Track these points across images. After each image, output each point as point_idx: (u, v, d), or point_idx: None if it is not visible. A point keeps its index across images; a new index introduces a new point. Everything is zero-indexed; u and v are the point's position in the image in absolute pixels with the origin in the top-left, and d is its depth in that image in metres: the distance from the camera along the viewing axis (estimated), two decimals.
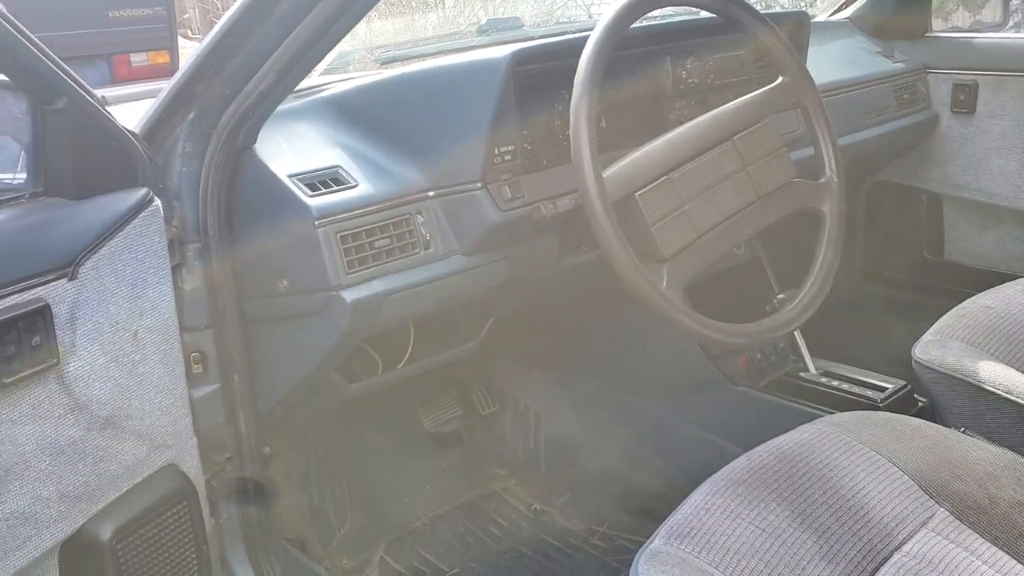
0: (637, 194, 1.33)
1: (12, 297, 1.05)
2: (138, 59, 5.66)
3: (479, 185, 1.43)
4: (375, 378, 1.62)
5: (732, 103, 1.50)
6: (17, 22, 1.04)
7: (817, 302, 1.49)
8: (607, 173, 1.30)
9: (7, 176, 1.18)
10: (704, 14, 1.64)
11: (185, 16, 9.48)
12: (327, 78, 1.64)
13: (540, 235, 1.56)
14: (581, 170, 1.26)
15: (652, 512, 1.94)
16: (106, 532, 1.19)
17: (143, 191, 1.23)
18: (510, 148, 1.45)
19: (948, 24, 2.55)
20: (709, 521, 1.08)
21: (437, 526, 2.02)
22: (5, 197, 1.13)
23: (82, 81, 1.13)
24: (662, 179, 1.37)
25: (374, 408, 1.93)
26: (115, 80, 5.52)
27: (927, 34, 2.48)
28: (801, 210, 1.53)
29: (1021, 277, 1.75)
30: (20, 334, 1.06)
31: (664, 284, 1.32)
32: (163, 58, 5.78)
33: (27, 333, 1.06)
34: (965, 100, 2.36)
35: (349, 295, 1.35)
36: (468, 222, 1.45)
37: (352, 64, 1.79)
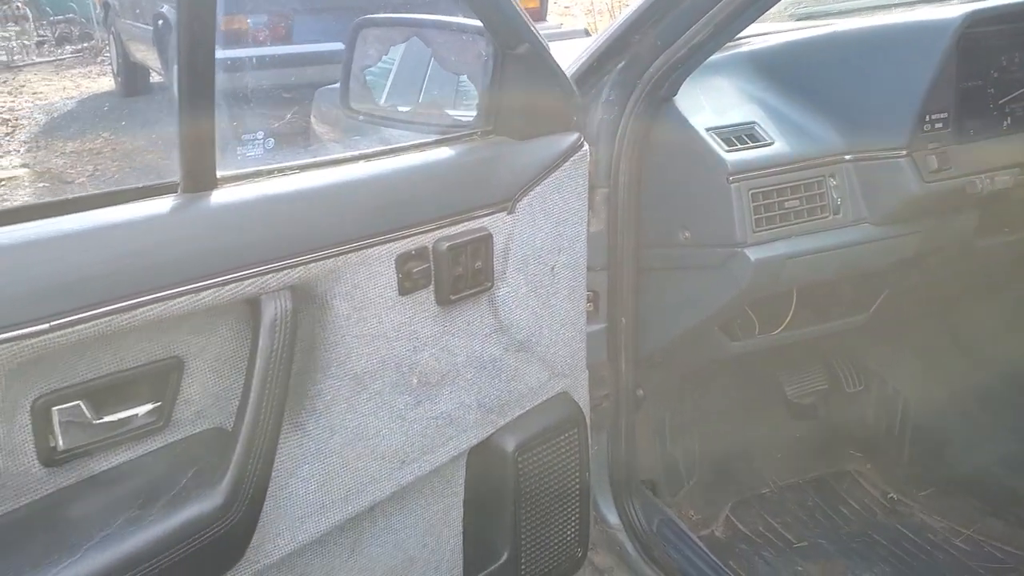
0: None
1: (463, 224, 1.16)
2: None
3: (904, 153, 1.35)
4: (752, 339, 1.61)
5: None
6: None
7: None
8: None
9: (463, 114, 1.29)
10: None
11: None
12: (745, 32, 1.62)
13: (959, 211, 1.45)
14: None
15: None
16: (510, 444, 1.30)
17: (575, 136, 1.30)
18: (943, 116, 1.36)
19: None
20: None
21: (785, 495, 1.99)
22: (462, 132, 1.24)
23: (537, 28, 1.21)
24: None
25: (740, 368, 1.92)
26: None
27: None
28: None
29: None
30: (467, 258, 1.17)
31: None
32: (533, 3, 6.05)
33: (472, 257, 1.17)
34: None
35: (753, 253, 1.35)
36: (885, 190, 1.38)
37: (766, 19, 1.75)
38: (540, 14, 6.12)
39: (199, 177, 0.97)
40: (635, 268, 1.49)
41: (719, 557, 1.70)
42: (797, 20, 1.66)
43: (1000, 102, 1.41)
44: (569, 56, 1.38)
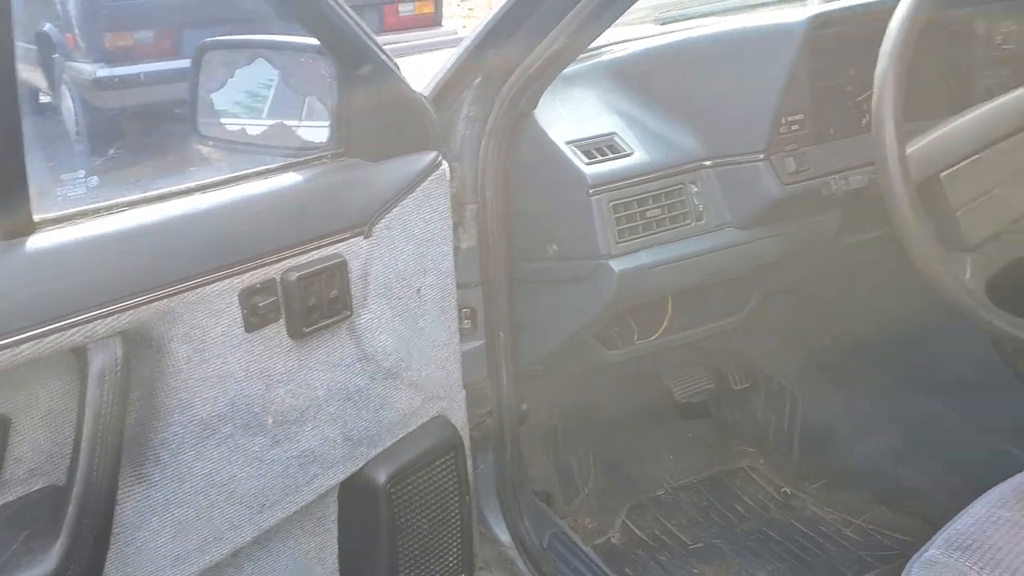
0: (943, 174, 1.21)
1: (314, 252, 1.12)
2: (405, 8, 5.91)
3: (761, 156, 1.36)
4: (631, 346, 1.61)
5: None
6: None
7: None
8: (911, 149, 1.19)
9: (313, 137, 1.25)
10: None
11: None
12: (605, 39, 1.62)
13: (821, 211, 1.47)
14: (883, 146, 1.16)
15: (917, 511, 1.81)
16: (382, 476, 1.26)
17: (433, 154, 1.27)
18: (799, 117, 1.37)
19: None
20: (994, 535, 1.00)
21: (680, 496, 2.00)
22: (311, 156, 1.20)
23: (384, 49, 1.18)
24: (972, 159, 1.23)
25: (625, 373, 1.93)
26: (383, 28, 5.82)
27: None
28: None
29: None
30: (320, 287, 1.13)
31: (967, 275, 1.20)
32: (427, 8, 6.01)
33: (327, 286, 1.13)
34: None
35: (617, 265, 1.34)
36: (746, 194, 1.39)
37: (630, 23, 1.76)
38: (435, 19, 6.09)
39: (13, 222, 0.91)
40: (509, 282, 1.47)
41: (615, 565, 1.69)
42: (661, 25, 1.66)
43: (858, 99, 1.43)
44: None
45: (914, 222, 1.16)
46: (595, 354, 1.55)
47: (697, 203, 1.40)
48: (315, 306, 1.13)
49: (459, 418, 1.40)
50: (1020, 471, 1.11)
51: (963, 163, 1.23)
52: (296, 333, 1.12)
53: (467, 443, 1.44)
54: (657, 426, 2.10)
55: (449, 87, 1.35)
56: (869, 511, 1.88)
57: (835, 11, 1.36)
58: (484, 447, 1.55)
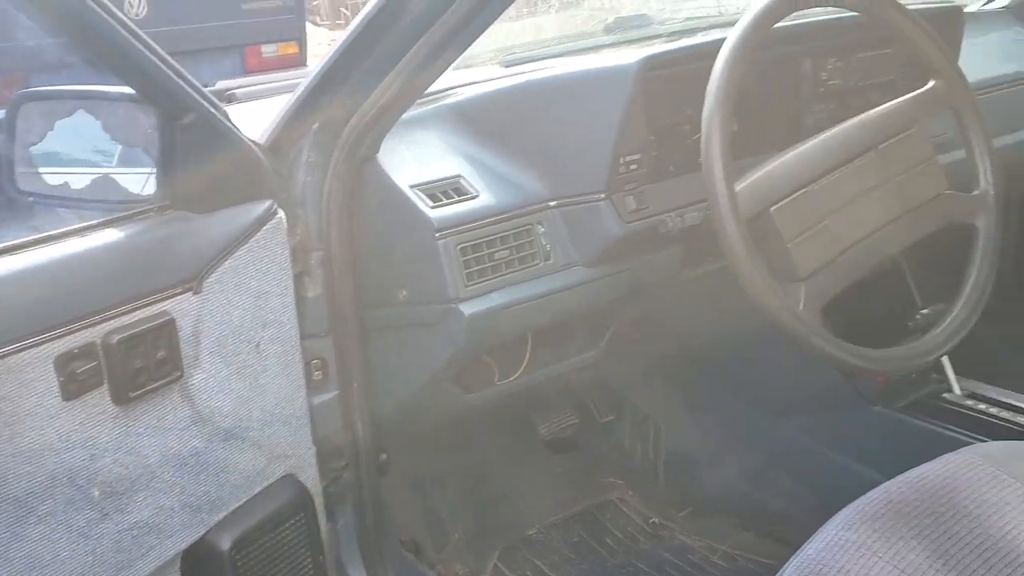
0: (772, 209, 1.25)
1: (139, 312, 1.07)
2: (268, 50, 5.81)
3: (602, 196, 1.38)
4: (491, 388, 1.59)
5: (878, 109, 1.39)
6: (147, 38, 1.05)
7: (968, 325, 1.37)
8: (740, 186, 1.22)
9: (137, 189, 1.19)
10: (848, 12, 1.54)
11: (314, 3, 9.72)
12: (451, 81, 1.62)
13: (663, 247, 1.50)
14: (712, 184, 1.19)
15: (778, 533, 1.86)
16: (226, 542, 1.20)
17: (267, 203, 1.24)
18: (636, 157, 1.39)
19: None
20: (843, 558, 1.01)
21: (551, 535, 1.98)
22: (134, 211, 1.14)
23: (210, 95, 1.14)
24: (800, 192, 1.28)
25: (489, 413, 1.91)
26: (246, 70, 5.69)
27: None
28: (952, 224, 1.42)
29: None
30: (147, 348, 1.07)
31: (801, 305, 1.24)
32: (292, 49, 5.92)
33: (153, 347, 1.08)
34: None
35: (467, 308, 1.33)
36: (590, 233, 1.40)
37: (476, 65, 1.76)
38: (300, 60, 6.00)
39: None
40: (360, 330, 1.44)
41: None
42: (506, 67, 1.67)
43: (695, 137, 1.46)
44: None
45: (747, 257, 1.19)
46: (453, 399, 1.53)
47: (545, 243, 1.40)
48: (141, 369, 1.07)
49: (310, 476, 1.35)
50: (870, 489, 1.14)
51: (792, 197, 1.27)
52: (121, 399, 1.05)
53: (321, 500, 1.39)
54: (526, 463, 2.09)
55: (286, 134, 1.32)
56: (733, 536, 1.92)
57: (665, 53, 1.40)
58: (342, 501, 1.50)
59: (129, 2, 5.03)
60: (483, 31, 1.20)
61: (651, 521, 2.00)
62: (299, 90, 1.30)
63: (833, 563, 1.00)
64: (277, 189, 1.28)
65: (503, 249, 1.36)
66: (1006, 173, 1.47)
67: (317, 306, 1.38)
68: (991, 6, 2.36)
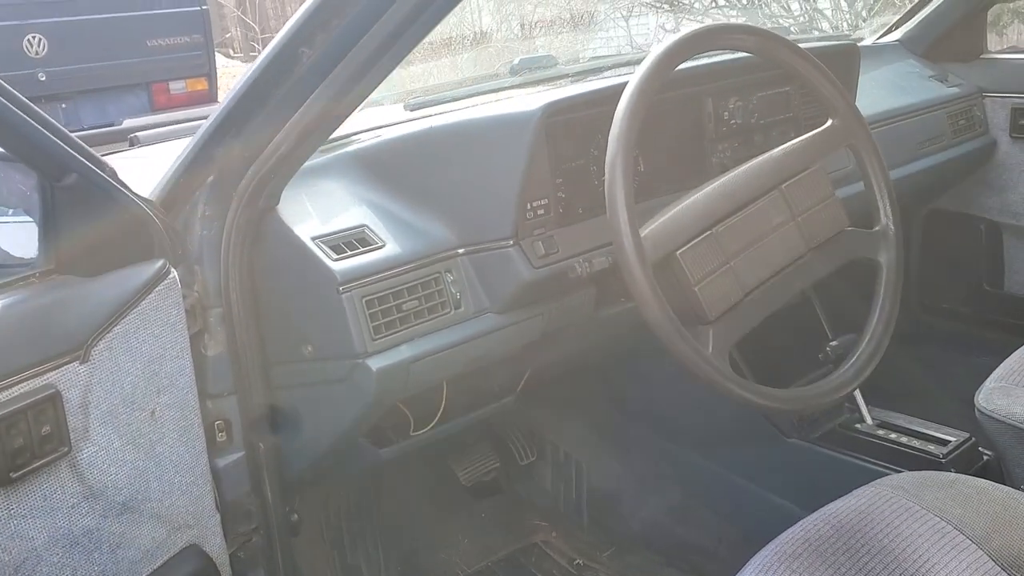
0: (678, 252, 1.25)
1: (20, 386, 1.00)
2: (176, 87, 5.71)
3: (511, 242, 1.36)
4: (406, 440, 1.55)
5: (778, 149, 1.41)
6: (24, 99, 1.00)
7: (876, 358, 1.39)
8: (645, 231, 1.22)
9: (19, 253, 1.13)
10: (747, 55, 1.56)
11: (227, 35, 9.58)
12: (354, 126, 1.58)
13: (575, 289, 1.49)
14: (618, 232, 1.18)
15: (703, 570, 1.85)
16: None
17: (159, 263, 1.18)
18: (543, 202, 1.38)
19: (1003, 41, 2.42)
20: None
21: None
22: (16, 277, 1.08)
23: (94, 153, 1.09)
24: (705, 235, 1.28)
25: (407, 461, 1.87)
26: (154, 108, 5.56)
27: (982, 56, 2.36)
28: (855, 260, 1.44)
29: None
30: (29, 424, 1.00)
31: (711, 349, 1.23)
32: (201, 85, 5.82)
33: (36, 423, 1.01)
34: None
35: (375, 363, 1.29)
36: (500, 280, 1.38)
37: (381, 108, 1.73)
38: (211, 96, 5.89)
39: None
40: (265, 388, 1.39)
41: None
42: (411, 110, 1.65)
43: (603, 178, 1.46)
44: None
45: (654, 303, 1.18)
46: (366, 455, 1.48)
47: (454, 291, 1.38)
48: (23, 447, 1.00)
49: (214, 544, 1.29)
50: (791, 522, 1.14)
51: (697, 240, 1.27)
52: (2, 480, 0.98)
53: (227, 569, 1.33)
54: (448, 510, 2.05)
55: (179, 188, 1.27)
56: (657, 573, 1.90)
57: (567, 99, 1.39)
58: (254, 567, 1.44)
59: (28, 41, 4.89)
60: (385, 76, 1.17)
61: (576, 563, 1.98)
62: (192, 142, 1.25)
63: None
64: (171, 246, 1.23)
65: (411, 299, 1.33)
66: (902, 203, 1.51)
67: (219, 365, 1.33)
68: (885, 39, 2.44)
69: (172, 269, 1.19)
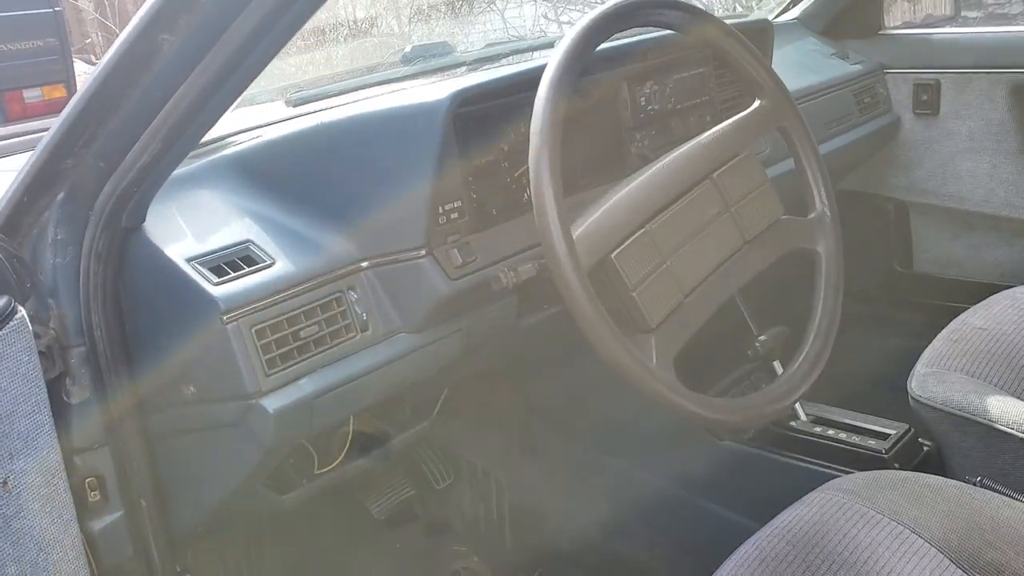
0: (613, 255, 1.12)
1: None
2: (32, 95, 5.34)
3: (423, 252, 1.20)
4: (311, 481, 1.38)
5: (706, 135, 1.30)
6: None
7: (825, 356, 1.30)
8: (577, 233, 1.09)
9: None
10: (659, 31, 1.45)
11: (87, 41, 9.01)
12: (229, 127, 1.39)
13: (496, 299, 1.34)
14: (548, 236, 1.04)
15: None
16: None
17: (2, 301, 0.98)
18: (456, 204, 1.23)
19: (890, 17, 2.39)
20: None
21: None
22: None
23: None
24: (639, 233, 1.16)
25: (312, 498, 1.69)
26: (8, 119, 5.17)
27: (881, 32, 2.33)
28: (793, 251, 1.35)
29: (1002, 288, 1.61)
30: None
31: (655, 360, 1.11)
32: (59, 92, 5.44)
33: None
34: (928, 100, 2.21)
35: (271, 403, 1.11)
36: (412, 296, 1.22)
37: (258, 106, 1.54)
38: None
39: None
40: (143, 437, 1.19)
41: None
42: (294, 107, 1.46)
43: (516, 174, 1.31)
44: None
45: (593, 313, 1.05)
46: (267, 503, 1.30)
47: (360, 312, 1.21)
48: None
49: None
50: (730, 531, 1.09)
51: (631, 239, 1.15)
52: None
53: None
54: (359, 545, 1.88)
55: (21, 211, 1.06)
56: None
57: (477, 86, 1.24)
58: None
59: None
60: (265, 65, 0.99)
61: None
62: (34, 155, 1.04)
63: None
64: (16, 280, 1.02)
65: (310, 325, 1.15)
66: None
67: (85, 414, 1.13)
68: (783, 18, 2.38)
69: (19, 307, 0.99)
